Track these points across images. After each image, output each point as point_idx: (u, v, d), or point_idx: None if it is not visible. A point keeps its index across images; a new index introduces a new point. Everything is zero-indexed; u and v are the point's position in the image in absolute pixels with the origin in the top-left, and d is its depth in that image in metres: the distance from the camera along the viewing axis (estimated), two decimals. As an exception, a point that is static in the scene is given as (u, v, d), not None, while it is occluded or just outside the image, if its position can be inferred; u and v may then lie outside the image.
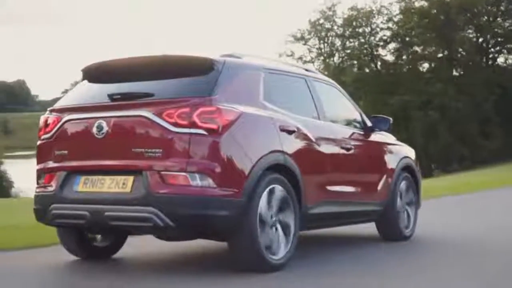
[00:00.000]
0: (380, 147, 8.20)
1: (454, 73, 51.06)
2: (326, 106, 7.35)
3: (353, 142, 7.54)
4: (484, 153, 43.28)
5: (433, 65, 50.89)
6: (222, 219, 5.64)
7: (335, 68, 52.00)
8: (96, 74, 6.59)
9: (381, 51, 52.93)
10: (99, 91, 6.31)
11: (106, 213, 5.75)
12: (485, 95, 44.79)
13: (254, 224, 5.79)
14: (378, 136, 8.16)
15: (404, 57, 51.77)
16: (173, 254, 7.31)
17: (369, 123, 8.03)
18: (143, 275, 6.13)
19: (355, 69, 52.92)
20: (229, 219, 5.66)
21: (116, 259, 6.98)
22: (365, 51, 52.70)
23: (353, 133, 7.72)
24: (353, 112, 8.03)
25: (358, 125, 7.95)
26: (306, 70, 7.68)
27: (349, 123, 7.89)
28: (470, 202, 14.82)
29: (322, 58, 54.67)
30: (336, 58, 54.54)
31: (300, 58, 54.31)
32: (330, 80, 7.98)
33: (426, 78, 49.14)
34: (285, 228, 6.19)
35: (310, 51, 54.92)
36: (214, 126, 5.63)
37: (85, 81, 6.65)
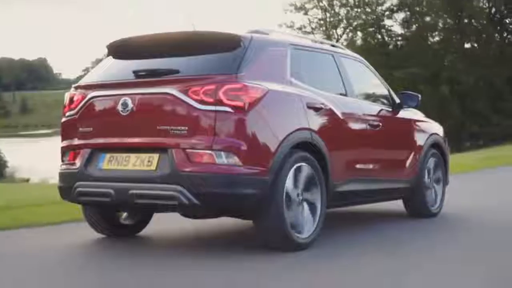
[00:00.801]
0: (408, 123, 8.07)
1: (466, 46, 49.11)
2: (354, 82, 7.24)
3: (381, 119, 7.42)
4: (497, 131, 41.07)
5: (442, 35, 48.80)
6: (248, 198, 5.58)
7: (338, 40, 50.21)
8: (121, 50, 6.51)
9: (388, 22, 51.13)
10: (124, 68, 6.24)
11: (131, 191, 5.70)
12: (498, 69, 42.83)
13: (280, 202, 5.71)
14: (406, 113, 8.03)
15: (413, 27, 49.87)
16: (198, 232, 7.27)
17: (397, 100, 7.91)
18: (167, 253, 6.08)
19: (359, 41, 51.03)
20: (255, 197, 5.59)
21: (141, 236, 6.95)
22: (371, 21, 50.70)
23: (381, 109, 7.60)
24: (381, 88, 7.90)
25: (386, 101, 7.83)
26: (333, 46, 7.56)
27: (377, 99, 7.76)
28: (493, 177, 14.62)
29: (323, 28, 52.65)
30: (339, 30, 52.74)
31: (300, 28, 52.35)
32: (358, 56, 7.85)
33: (435, 50, 47.20)
34: (312, 206, 6.11)
35: (310, 22, 52.99)
36: (240, 104, 5.54)
37: (110, 57, 6.58)
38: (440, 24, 48.58)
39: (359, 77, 7.50)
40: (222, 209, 5.92)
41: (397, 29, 51.34)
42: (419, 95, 8.00)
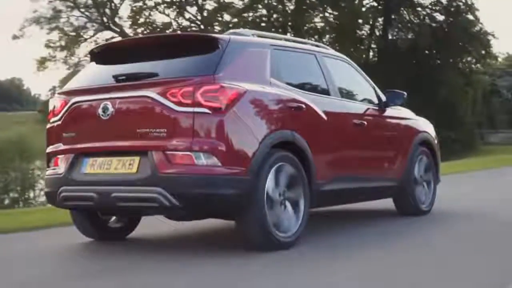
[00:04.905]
0: (395, 122, 8.10)
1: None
2: (338, 82, 7.26)
3: (366, 118, 7.45)
4: None
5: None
6: (229, 198, 5.62)
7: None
8: (102, 55, 6.59)
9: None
10: (105, 73, 6.30)
11: (113, 194, 5.75)
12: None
13: (261, 202, 5.75)
14: (393, 111, 8.05)
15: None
16: (186, 233, 7.31)
17: (383, 98, 7.94)
18: (154, 255, 6.11)
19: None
20: (235, 197, 5.63)
21: (131, 239, 6.99)
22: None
23: (367, 108, 7.63)
24: (366, 87, 7.93)
25: (372, 100, 7.86)
26: (317, 46, 7.60)
27: (362, 98, 7.80)
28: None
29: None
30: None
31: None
32: (343, 56, 7.88)
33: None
34: (294, 206, 6.14)
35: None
36: (217, 105, 5.59)
37: (93, 63, 6.65)
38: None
39: (343, 76, 7.52)
40: (203, 210, 5.95)
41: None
42: (405, 93, 8.01)
